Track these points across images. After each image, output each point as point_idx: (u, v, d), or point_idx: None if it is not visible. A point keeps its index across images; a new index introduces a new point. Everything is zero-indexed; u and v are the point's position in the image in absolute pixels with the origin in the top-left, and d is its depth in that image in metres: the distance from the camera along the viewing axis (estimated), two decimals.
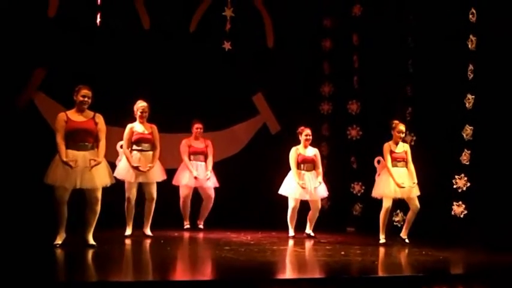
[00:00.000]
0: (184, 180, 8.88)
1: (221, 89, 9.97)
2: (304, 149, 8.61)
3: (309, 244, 8.15)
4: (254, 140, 10.47)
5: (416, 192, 8.10)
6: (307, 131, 8.63)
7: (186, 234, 8.58)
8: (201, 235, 8.61)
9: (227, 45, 9.91)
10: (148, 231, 7.99)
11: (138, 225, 8.03)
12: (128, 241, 7.63)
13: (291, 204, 8.51)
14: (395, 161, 8.10)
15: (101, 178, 6.72)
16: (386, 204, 8.08)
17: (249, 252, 6.97)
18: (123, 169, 7.86)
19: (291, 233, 8.56)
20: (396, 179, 7.96)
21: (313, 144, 8.80)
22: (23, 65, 8.80)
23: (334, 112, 10.65)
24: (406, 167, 8.11)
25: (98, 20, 8.58)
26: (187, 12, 9.90)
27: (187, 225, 9.04)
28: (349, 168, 10.23)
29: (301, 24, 10.41)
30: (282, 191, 8.56)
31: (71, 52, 8.98)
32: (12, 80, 8.77)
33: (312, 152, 8.64)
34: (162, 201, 8.22)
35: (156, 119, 8.24)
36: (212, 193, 9.04)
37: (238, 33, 9.94)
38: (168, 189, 8.70)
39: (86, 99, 6.73)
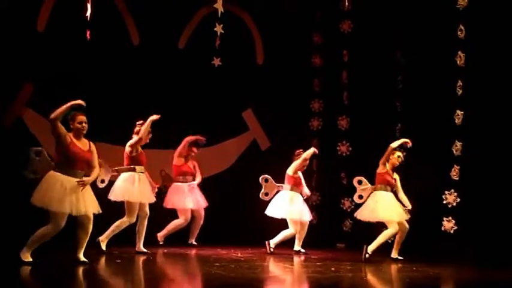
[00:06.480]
0: (189, 204, 8.84)
1: (211, 105, 9.95)
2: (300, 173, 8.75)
3: (299, 260, 8.10)
4: (244, 156, 10.45)
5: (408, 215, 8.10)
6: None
7: (177, 251, 8.50)
8: (191, 252, 8.55)
9: (217, 62, 9.88)
10: (141, 248, 7.95)
11: (127, 242, 7.96)
12: (118, 258, 7.54)
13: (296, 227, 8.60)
14: (388, 185, 8.07)
15: (93, 205, 6.69)
16: (395, 228, 7.96)
17: (239, 269, 6.93)
18: (120, 189, 7.78)
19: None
20: (383, 201, 7.96)
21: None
22: (11, 80, 8.73)
23: (324, 128, 10.66)
24: (396, 194, 8.11)
25: (88, 35, 8.54)
26: (177, 28, 9.91)
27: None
28: (339, 184, 10.22)
29: (290, 41, 10.45)
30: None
31: (60, 68, 8.93)
32: (0, 95, 8.69)
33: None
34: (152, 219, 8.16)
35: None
36: (203, 211, 9.07)
37: (228, 50, 9.94)
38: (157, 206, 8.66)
39: (83, 125, 6.72)
